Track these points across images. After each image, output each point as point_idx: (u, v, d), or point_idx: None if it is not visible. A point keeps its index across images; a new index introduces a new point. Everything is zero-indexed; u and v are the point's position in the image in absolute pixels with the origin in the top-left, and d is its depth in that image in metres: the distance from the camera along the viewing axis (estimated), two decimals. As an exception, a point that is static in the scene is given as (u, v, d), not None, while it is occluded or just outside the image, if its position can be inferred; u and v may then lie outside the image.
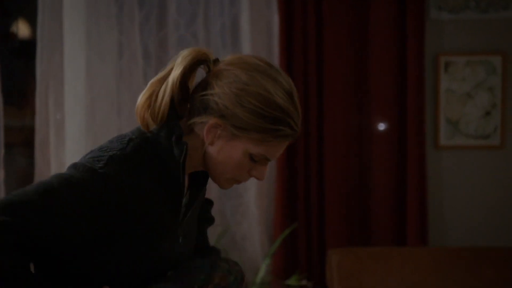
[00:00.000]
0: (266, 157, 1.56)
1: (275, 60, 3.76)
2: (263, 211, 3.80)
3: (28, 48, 4.09)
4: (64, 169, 1.60)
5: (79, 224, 1.45)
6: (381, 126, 3.75)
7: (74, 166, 1.50)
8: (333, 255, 3.55)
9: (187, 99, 1.59)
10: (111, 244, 1.50)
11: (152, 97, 1.56)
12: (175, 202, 1.57)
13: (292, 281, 3.56)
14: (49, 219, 1.42)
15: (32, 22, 3.90)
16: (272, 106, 1.51)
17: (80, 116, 3.63)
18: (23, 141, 4.29)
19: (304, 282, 3.55)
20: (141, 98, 1.58)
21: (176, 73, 1.55)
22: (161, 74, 1.58)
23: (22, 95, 4.38)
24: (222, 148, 1.55)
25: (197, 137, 1.57)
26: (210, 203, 1.87)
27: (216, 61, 1.58)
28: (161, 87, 1.56)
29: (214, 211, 3.73)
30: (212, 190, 3.77)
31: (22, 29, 4.40)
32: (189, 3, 3.75)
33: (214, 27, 3.77)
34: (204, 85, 1.55)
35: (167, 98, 1.55)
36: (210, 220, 1.86)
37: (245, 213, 3.81)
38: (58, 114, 3.64)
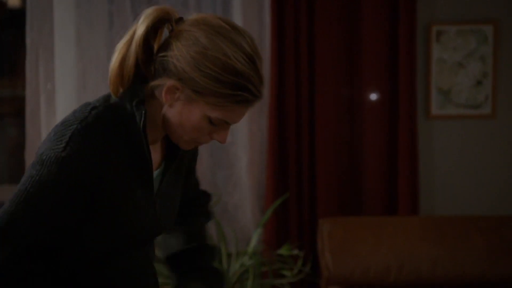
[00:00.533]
0: (226, 121, 1.52)
1: (267, 30, 3.75)
2: (255, 181, 3.81)
3: (17, 17, 4.05)
4: None
5: (65, 214, 1.47)
6: (373, 96, 3.75)
7: (41, 162, 1.46)
8: (324, 225, 3.57)
9: (152, 61, 1.54)
10: (93, 220, 1.50)
11: (122, 62, 1.52)
12: (144, 170, 1.55)
13: (283, 250, 3.57)
14: (38, 225, 1.44)
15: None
16: (231, 71, 1.46)
17: (70, 86, 3.62)
18: (14, 111, 4.28)
19: (295, 252, 3.57)
20: (113, 65, 1.53)
21: (138, 33, 1.50)
22: (126, 37, 1.53)
23: (12, 65, 4.35)
24: (181, 111, 1.52)
25: (158, 100, 1.54)
26: (207, 196, 1.85)
27: (180, 20, 1.52)
28: (128, 49, 1.52)
29: (206, 182, 3.73)
30: (203, 160, 3.77)
31: (11, -2, 4.36)
32: (181, 4, 3.73)
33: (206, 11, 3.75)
34: (166, 45, 1.51)
35: (132, 60, 1.51)
36: (208, 215, 1.85)
37: (236, 183, 3.81)
38: (49, 84, 3.62)
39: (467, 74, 3.78)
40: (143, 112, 1.51)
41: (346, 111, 3.77)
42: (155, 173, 1.63)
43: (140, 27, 1.51)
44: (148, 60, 1.53)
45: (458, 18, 3.78)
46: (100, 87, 3.65)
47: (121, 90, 1.54)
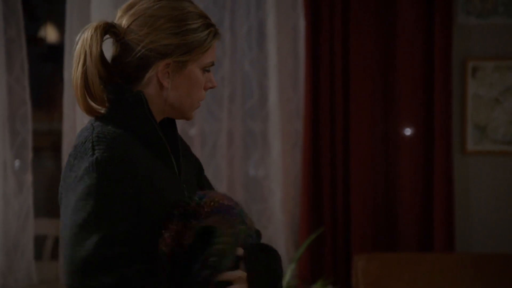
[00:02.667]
0: (213, 62, 1.66)
1: (301, 64, 3.76)
2: (289, 216, 3.79)
3: (56, 52, 4.12)
4: None
5: (131, 209, 1.55)
6: (408, 131, 3.73)
7: (79, 178, 1.53)
8: (359, 260, 3.54)
9: (112, 73, 1.63)
10: (142, 206, 1.57)
11: (86, 83, 1.61)
12: (162, 152, 1.64)
13: (318, 286, 3.55)
14: (116, 232, 1.52)
15: (60, 26, 3.93)
16: (195, 16, 1.62)
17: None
18: (51, 145, 4.33)
19: (329, 287, 3.54)
20: (78, 91, 1.63)
21: (94, 53, 1.59)
22: (78, 60, 1.61)
23: (50, 99, 4.41)
24: (183, 81, 1.64)
25: (151, 92, 1.63)
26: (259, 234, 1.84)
27: (114, 25, 1.64)
28: (86, 77, 1.60)
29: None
30: (237, 193, 3.77)
31: (50, 33, 4.44)
32: (215, 6, 3.77)
33: (240, 30, 3.78)
34: (125, 48, 1.61)
35: (95, 79, 1.59)
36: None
37: (270, 218, 3.80)
38: (85, 118, 3.65)
39: (504, 110, 3.75)
40: (142, 93, 1.61)
41: (381, 146, 3.76)
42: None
43: (93, 49, 1.59)
44: (109, 73, 1.63)
45: (494, 53, 3.76)
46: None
47: (95, 106, 1.63)
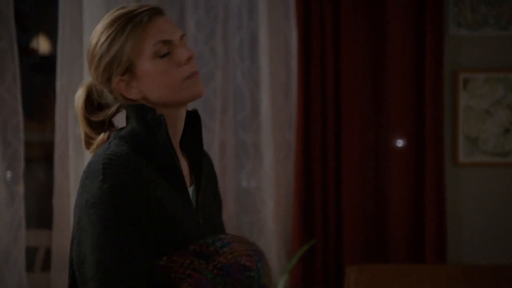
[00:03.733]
0: (161, 40, 1.62)
1: (293, 75, 3.77)
2: (281, 227, 3.80)
3: (47, 62, 4.12)
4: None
5: (141, 229, 1.56)
6: (399, 142, 3.74)
7: (91, 206, 1.55)
8: (351, 272, 3.54)
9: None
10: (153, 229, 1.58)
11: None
12: (176, 179, 1.64)
13: (309, 297, 3.54)
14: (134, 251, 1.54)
15: (52, 37, 3.93)
16: (109, 28, 1.63)
17: (99, 130, 3.64)
18: (43, 155, 4.32)
19: (321, 299, 3.54)
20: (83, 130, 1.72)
21: (79, 108, 1.71)
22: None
23: (42, 109, 4.41)
24: (144, 82, 1.63)
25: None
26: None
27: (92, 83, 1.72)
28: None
29: (231, 227, 3.72)
30: (229, 204, 3.77)
31: (42, 44, 4.44)
32: (208, 18, 3.78)
33: (233, 42, 3.79)
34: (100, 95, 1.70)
35: (88, 130, 1.71)
36: None
37: (262, 229, 3.80)
38: (77, 129, 3.66)
39: (495, 122, 3.76)
40: (162, 117, 1.62)
41: (373, 157, 3.76)
42: (190, 189, 1.70)
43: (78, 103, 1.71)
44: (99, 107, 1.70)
45: (486, 65, 3.78)
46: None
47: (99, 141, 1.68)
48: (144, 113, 1.61)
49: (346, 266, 3.61)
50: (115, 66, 1.62)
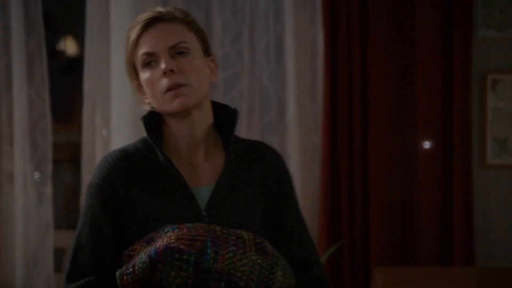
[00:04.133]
0: (145, 52, 1.74)
1: (319, 78, 3.76)
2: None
3: (75, 65, 4.15)
4: None
5: (106, 222, 1.76)
6: (427, 144, 3.72)
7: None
8: (378, 274, 3.52)
9: None
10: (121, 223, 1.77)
11: None
12: (165, 183, 1.75)
13: (336, 299, 3.53)
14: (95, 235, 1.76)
15: (79, 39, 3.95)
16: (129, 26, 1.80)
17: (126, 132, 3.65)
18: (70, 157, 4.35)
19: (348, 301, 3.53)
20: None
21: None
22: None
23: (68, 111, 4.44)
24: (147, 93, 1.77)
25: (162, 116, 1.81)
26: (316, 264, 1.90)
27: None
28: None
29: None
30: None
31: (69, 46, 4.47)
32: (235, 20, 3.78)
33: (259, 44, 3.79)
34: None
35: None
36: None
37: (289, 231, 3.79)
38: (105, 130, 3.68)
39: (524, 123, 3.74)
40: (143, 117, 1.79)
41: (400, 159, 3.74)
42: (206, 188, 1.77)
43: None
44: None
45: (514, 67, 3.75)
46: (155, 134, 3.68)
47: None
48: (145, 124, 1.78)
49: (374, 268, 3.60)
50: (128, 72, 1.80)
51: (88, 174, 3.65)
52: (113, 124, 3.63)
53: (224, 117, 1.83)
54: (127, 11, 3.55)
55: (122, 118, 3.62)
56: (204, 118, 1.80)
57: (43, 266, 3.48)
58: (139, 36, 1.74)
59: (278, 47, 3.80)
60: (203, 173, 1.78)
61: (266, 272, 1.67)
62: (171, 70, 1.71)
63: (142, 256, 1.64)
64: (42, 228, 3.50)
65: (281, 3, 3.76)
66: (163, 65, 1.71)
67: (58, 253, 3.75)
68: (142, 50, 1.73)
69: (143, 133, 3.64)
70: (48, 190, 3.55)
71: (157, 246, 1.63)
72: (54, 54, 4.25)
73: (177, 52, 1.74)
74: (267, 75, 3.81)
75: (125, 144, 3.55)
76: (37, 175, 3.57)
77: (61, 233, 3.85)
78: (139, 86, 1.79)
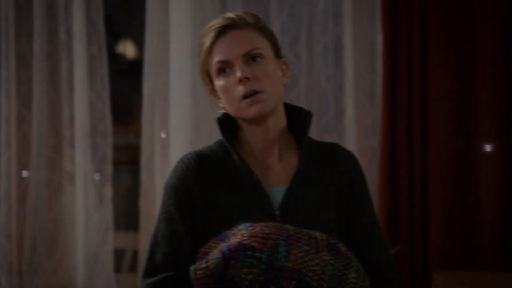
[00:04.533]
0: (219, 60, 1.78)
1: (378, 80, 3.74)
2: (366, 232, 3.76)
3: (134, 67, 4.19)
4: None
5: (182, 220, 1.83)
6: (489, 148, 3.67)
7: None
8: (438, 279, 3.48)
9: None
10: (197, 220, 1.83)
11: None
12: (239, 183, 1.80)
13: (395, 304, 3.50)
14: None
15: (138, 42, 3.99)
16: (200, 37, 1.84)
17: (184, 134, 3.68)
18: (129, 159, 4.40)
19: (407, 305, 3.49)
20: None
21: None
22: None
23: (128, 114, 4.49)
24: (222, 98, 1.82)
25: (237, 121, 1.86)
26: (389, 267, 1.88)
27: None
28: None
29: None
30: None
31: (129, 49, 4.53)
32: (292, 22, 3.78)
33: (317, 46, 3.78)
34: None
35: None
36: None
37: (347, 234, 3.77)
38: (163, 132, 3.71)
39: None
40: (218, 119, 1.84)
41: (461, 162, 3.69)
42: (281, 188, 1.81)
43: None
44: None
45: None
46: (214, 136, 3.70)
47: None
48: (220, 126, 1.82)
49: (433, 272, 3.56)
50: (201, 77, 1.85)
51: (147, 177, 3.69)
52: (172, 126, 3.65)
53: (298, 118, 1.87)
54: (186, 14, 3.58)
55: (180, 120, 3.64)
56: (278, 122, 1.84)
57: (103, 266, 3.53)
58: (212, 44, 1.78)
59: (337, 49, 3.79)
60: (277, 174, 1.82)
61: (339, 273, 1.67)
62: (247, 78, 1.75)
63: (215, 253, 1.67)
64: (102, 229, 3.54)
65: (340, 4, 3.74)
66: (238, 73, 1.75)
67: (118, 254, 3.79)
68: (216, 58, 1.78)
69: (202, 135, 3.68)
70: (108, 192, 3.60)
71: (231, 243, 1.66)
72: (113, 57, 4.31)
73: (250, 58, 1.78)
74: (325, 77, 3.80)
75: (182, 146, 3.64)
76: (97, 176, 3.62)
77: (120, 234, 3.90)
78: (212, 90, 1.84)
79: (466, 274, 3.54)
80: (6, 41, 3.47)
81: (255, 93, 1.76)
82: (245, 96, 1.76)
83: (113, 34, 4.25)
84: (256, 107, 1.76)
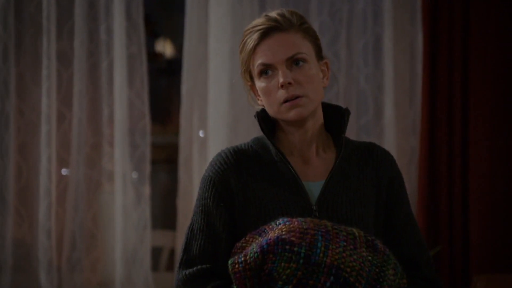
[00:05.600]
0: (261, 63, 1.79)
1: (418, 80, 3.71)
2: (404, 234, 3.73)
3: (173, 66, 4.21)
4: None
5: (220, 211, 1.86)
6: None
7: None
8: (478, 282, 3.44)
9: None
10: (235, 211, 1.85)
11: None
12: (277, 176, 1.82)
13: (434, 306, 3.47)
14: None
15: (176, 41, 4.01)
16: (243, 35, 1.84)
17: (222, 133, 3.68)
18: (167, 158, 4.42)
19: (446, 308, 3.46)
20: None
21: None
22: None
23: (166, 113, 4.52)
24: (262, 97, 1.84)
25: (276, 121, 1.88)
26: (429, 267, 1.90)
27: None
28: None
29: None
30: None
31: (168, 48, 4.55)
32: (332, 22, 3.76)
33: (357, 46, 3.76)
34: None
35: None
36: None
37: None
38: (201, 131, 3.71)
39: None
40: (257, 114, 1.87)
41: (502, 163, 3.65)
42: (317, 183, 1.83)
43: None
44: None
45: None
46: (251, 135, 3.69)
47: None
48: (259, 120, 1.85)
49: (473, 275, 3.52)
50: (243, 72, 1.86)
51: (185, 176, 3.70)
52: (210, 125, 3.66)
53: (335, 117, 1.89)
54: (225, 14, 3.58)
55: (219, 120, 3.65)
56: (316, 122, 1.87)
57: (141, 265, 3.54)
58: (256, 45, 1.79)
59: (376, 48, 3.76)
60: (314, 169, 1.84)
61: (377, 270, 1.68)
62: (289, 83, 1.77)
63: (254, 247, 1.68)
64: (140, 227, 3.56)
65: (380, 3, 3.72)
66: (281, 79, 1.77)
67: (155, 252, 3.81)
68: (259, 60, 1.79)
69: (240, 134, 3.68)
70: (146, 190, 3.62)
71: (269, 237, 1.67)
72: (152, 56, 4.33)
73: (293, 62, 1.79)
74: (364, 77, 3.78)
75: (220, 145, 3.64)
76: (135, 174, 3.64)
77: (158, 233, 3.91)
78: (252, 87, 1.86)
79: (508, 277, 3.50)
80: (47, 40, 3.50)
81: (296, 97, 1.78)
82: (286, 101, 1.78)
83: (153, 34, 4.27)
84: (296, 111, 1.79)
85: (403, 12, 3.71)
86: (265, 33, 1.78)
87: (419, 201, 3.65)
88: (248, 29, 1.82)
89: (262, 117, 1.86)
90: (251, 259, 1.66)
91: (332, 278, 1.63)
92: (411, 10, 3.72)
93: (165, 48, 4.52)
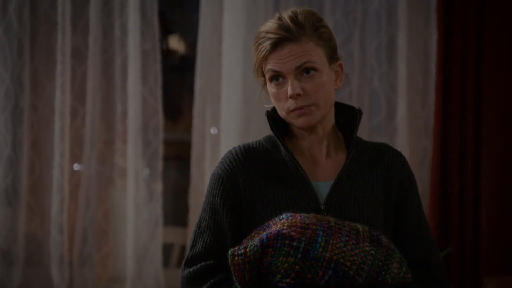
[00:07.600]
0: (272, 69, 1.79)
1: (432, 81, 3.70)
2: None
3: (186, 64, 4.21)
4: None
5: (227, 208, 1.87)
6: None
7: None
8: (489, 284, 3.44)
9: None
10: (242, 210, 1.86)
11: None
12: (285, 175, 1.83)
13: (444, 307, 3.46)
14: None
15: (188, 38, 4.00)
16: (257, 36, 1.84)
17: (235, 131, 3.68)
18: (179, 155, 4.42)
19: (456, 310, 3.46)
20: None
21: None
22: None
23: (178, 109, 4.52)
24: (273, 102, 1.85)
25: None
26: (437, 265, 1.90)
27: None
28: None
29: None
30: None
31: (181, 45, 4.55)
32: (346, 21, 3.75)
33: (370, 46, 3.76)
34: None
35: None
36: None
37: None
38: (214, 129, 3.71)
39: None
40: (267, 112, 1.88)
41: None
42: (326, 183, 1.84)
43: None
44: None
45: None
46: (264, 133, 3.68)
47: None
48: (268, 120, 1.85)
49: (484, 277, 3.51)
50: (256, 70, 1.86)
51: (197, 173, 3.71)
52: (223, 123, 3.66)
53: (347, 116, 1.89)
54: (239, 12, 3.58)
55: (231, 117, 3.65)
56: (327, 124, 1.88)
57: (152, 261, 3.56)
58: (267, 54, 1.80)
59: (390, 49, 3.75)
60: (324, 169, 1.86)
61: (380, 263, 1.70)
62: (298, 94, 1.78)
63: (254, 240, 1.71)
64: (152, 224, 3.57)
65: (394, 3, 3.71)
66: (290, 91, 1.78)
67: (166, 249, 3.82)
68: (270, 66, 1.80)
69: (252, 132, 3.67)
70: (158, 187, 3.62)
71: (270, 231, 1.70)
72: (166, 53, 4.33)
73: (303, 71, 1.79)
74: (378, 77, 3.77)
75: (233, 142, 3.64)
76: (146, 171, 3.65)
77: (169, 230, 3.92)
78: (265, 83, 1.87)
79: (519, 280, 3.49)
80: (62, 36, 3.51)
81: (296, 109, 1.81)
82: (294, 110, 1.80)
83: (166, 31, 4.27)
84: (303, 119, 1.80)
85: (417, 13, 3.70)
86: (276, 44, 1.78)
87: (431, 202, 3.65)
88: (262, 32, 1.82)
89: (273, 115, 1.87)
90: (251, 252, 1.69)
91: (330, 271, 1.67)
92: (426, 10, 3.71)
93: (179, 45, 4.53)
